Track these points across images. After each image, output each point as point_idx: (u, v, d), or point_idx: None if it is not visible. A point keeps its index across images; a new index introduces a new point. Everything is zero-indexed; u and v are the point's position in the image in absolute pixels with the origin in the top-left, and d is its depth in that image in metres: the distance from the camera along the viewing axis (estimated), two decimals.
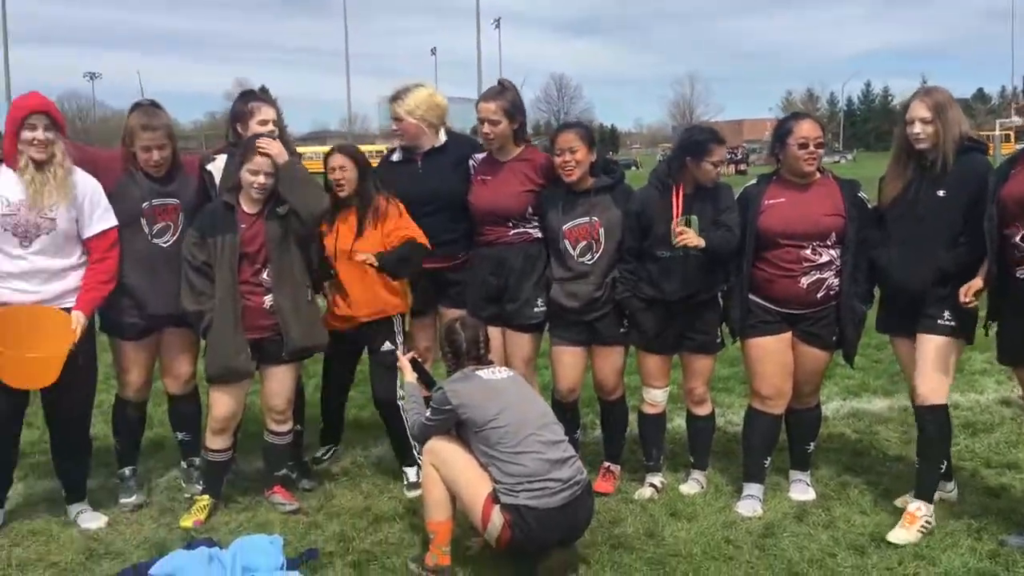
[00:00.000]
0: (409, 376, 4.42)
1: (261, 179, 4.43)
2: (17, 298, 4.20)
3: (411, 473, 4.89)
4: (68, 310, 4.29)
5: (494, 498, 3.73)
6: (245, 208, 4.50)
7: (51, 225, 4.22)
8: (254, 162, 4.42)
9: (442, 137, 5.01)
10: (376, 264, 4.53)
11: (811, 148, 4.40)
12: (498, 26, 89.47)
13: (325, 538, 4.29)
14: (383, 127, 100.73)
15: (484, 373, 4.02)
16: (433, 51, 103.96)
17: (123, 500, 4.74)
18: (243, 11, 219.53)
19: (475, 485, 3.79)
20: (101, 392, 6.45)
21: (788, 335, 4.56)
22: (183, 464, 5.00)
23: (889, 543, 4.12)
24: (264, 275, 4.50)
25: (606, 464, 4.98)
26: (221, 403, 4.54)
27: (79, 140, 4.48)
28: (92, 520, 4.51)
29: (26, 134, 4.14)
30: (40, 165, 4.16)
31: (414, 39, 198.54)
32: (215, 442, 4.61)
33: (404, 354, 4.58)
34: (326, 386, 5.22)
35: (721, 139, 4.61)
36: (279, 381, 4.64)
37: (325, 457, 5.21)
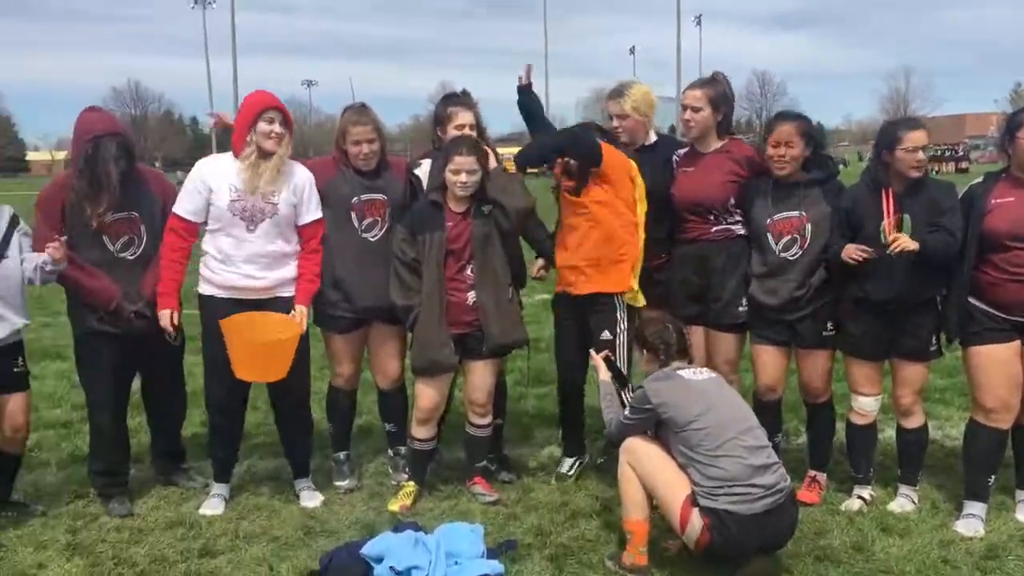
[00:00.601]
0: (603, 375, 4.44)
1: (463, 177, 4.56)
2: (245, 283, 4.55)
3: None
4: (287, 299, 4.63)
5: (693, 500, 3.68)
6: (451, 207, 4.66)
7: (274, 210, 4.55)
8: (455, 162, 4.56)
9: (652, 136, 5.00)
10: None
11: None
12: (699, 23, 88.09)
13: (523, 530, 4.37)
14: None
15: (686, 373, 3.98)
16: (632, 50, 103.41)
17: (337, 483, 5.01)
18: (448, 17, 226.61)
19: (673, 486, 3.76)
20: (316, 380, 6.92)
21: (1016, 344, 4.22)
22: (390, 452, 5.24)
23: None
24: (468, 272, 4.65)
25: (811, 473, 4.79)
26: (426, 395, 4.72)
27: (296, 144, 4.81)
28: (311, 499, 4.81)
29: (263, 126, 4.49)
30: (264, 155, 4.50)
31: (612, 38, 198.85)
32: (420, 432, 4.80)
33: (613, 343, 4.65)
34: (561, 385, 5.17)
35: (916, 124, 4.32)
36: (480, 376, 4.77)
37: (570, 473, 5.04)
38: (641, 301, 4.75)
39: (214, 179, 4.52)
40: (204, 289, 4.60)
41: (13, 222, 4.44)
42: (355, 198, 4.77)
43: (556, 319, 5.10)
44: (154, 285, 4.57)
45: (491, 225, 4.64)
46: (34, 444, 5.46)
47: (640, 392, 3.97)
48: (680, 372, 3.98)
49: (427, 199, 4.73)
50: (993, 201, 4.20)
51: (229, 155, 4.60)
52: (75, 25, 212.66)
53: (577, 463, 5.08)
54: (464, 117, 4.95)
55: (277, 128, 4.50)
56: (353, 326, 4.91)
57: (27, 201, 4.79)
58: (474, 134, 4.89)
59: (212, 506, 4.69)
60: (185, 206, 4.54)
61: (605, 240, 4.68)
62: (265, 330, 4.45)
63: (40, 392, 6.80)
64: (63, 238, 4.36)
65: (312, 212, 4.68)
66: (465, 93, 5.18)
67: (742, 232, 4.72)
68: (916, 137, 4.25)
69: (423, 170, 4.98)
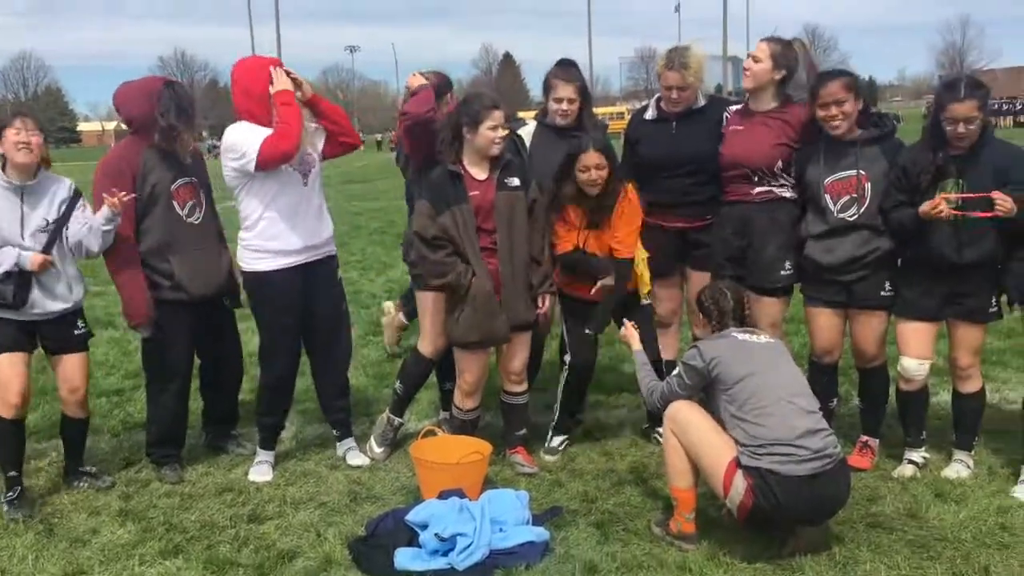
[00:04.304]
0: (637, 345, 4.37)
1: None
2: (311, 240, 4.59)
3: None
4: (334, 257, 4.78)
5: (737, 463, 3.61)
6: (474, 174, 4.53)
7: (314, 159, 4.65)
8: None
9: (701, 99, 4.86)
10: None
11: None
12: None
13: (568, 497, 4.35)
14: (625, 88, 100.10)
15: (740, 334, 3.91)
16: (677, 8, 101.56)
17: (375, 448, 5.02)
18: None
19: (717, 451, 3.68)
20: (362, 346, 6.96)
21: None
22: (445, 414, 5.24)
23: None
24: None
25: (863, 438, 4.70)
26: (471, 368, 4.64)
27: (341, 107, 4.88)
28: (356, 458, 4.88)
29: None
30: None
31: None
32: (467, 403, 4.74)
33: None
34: (573, 362, 4.93)
35: (957, 95, 4.01)
36: (516, 344, 4.69)
37: (560, 448, 4.98)
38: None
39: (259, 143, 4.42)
40: (264, 264, 4.54)
41: (76, 195, 4.52)
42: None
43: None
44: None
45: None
46: None
47: (691, 350, 3.90)
48: (735, 333, 3.91)
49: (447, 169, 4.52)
50: None
51: (248, 124, 4.46)
52: None
53: (566, 441, 5.04)
54: (563, 91, 4.84)
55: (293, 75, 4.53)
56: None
57: (83, 172, 4.84)
58: (570, 110, 4.84)
59: (260, 472, 4.75)
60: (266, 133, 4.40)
61: None
62: (453, 453, 4.39)
63: (92, 360, 6.88)
64: (124, 195, 4.34)
65: (319, 141, 4.71)
66: (507, 56, 5.14)
67: (787, 195, 4.59)
68: (956, 110, 4.02)
69: (527, 130, 5.01)
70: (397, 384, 5.14)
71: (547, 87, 4.93)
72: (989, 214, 3.95)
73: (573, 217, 4.64)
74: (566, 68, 4.91)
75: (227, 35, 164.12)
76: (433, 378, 5.38)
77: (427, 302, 4.92)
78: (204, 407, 5.26)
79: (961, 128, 4.04)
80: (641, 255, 4.75)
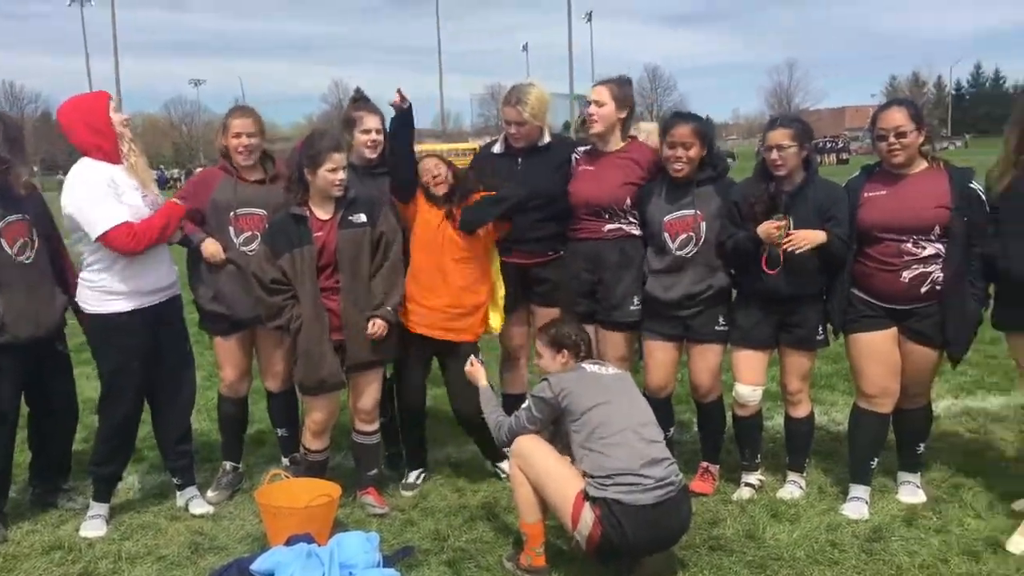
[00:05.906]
0: (483, 382, 4.39)
1: (341, 175, 4.45)
2: (163, 281, 4.44)
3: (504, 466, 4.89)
4: (179, 297, 4.61)
5: (585, 496, 3.67)
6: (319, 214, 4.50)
7: (158, 199, 4.49)
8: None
9: (547, 136, 4.96)
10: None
11: (890, 139, 4.22)
12: (590, 20, 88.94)
13: (420, 536, 4.30)
14: (475, 124, 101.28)
15: (589, 366, 3.99)
16: (525, 47, 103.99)
17: (209, 493, 4.88)
18: (340, 13, 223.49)
19: (564, 485, 3.73)
20: (207, 389, 6.69)
21: (893, 331, 4.36)
22: (285, 460, 5.10)
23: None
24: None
25: (704, 464, 4.87)
26: (317, 410, 4.57)
27: (183, 144, 4.77)
28: (199, 506, 4.68)
29: (119, 117, 4.35)
30: (133, 146, 4.38)
31: (506, 36, 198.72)
32: (315, 443, 4.66)
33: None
34: (403, 403, 4.99)
35: (773, 123, 4.42)
36: (365, 382, 4.66)
37: (418, 482, 4.99)
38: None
39: (119, 182, 4.26)
40: (114, 306, 4.31)
41: None
42: (231, 212, 4.68)
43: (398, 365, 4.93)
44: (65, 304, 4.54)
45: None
46: None
47: (542, 383, 3.95)
48: (584, 365, 3.99)
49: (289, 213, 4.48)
50: (865, 195, 4.34)
51: (95, 162, 4.30)
52: None
53: (423, 473, 5.06)
54: (370, 122, 4.84)
55: (125, 114, 4.40)
56: (234, 328, 4.81)
57: None
58: (380, 139, 4.83)
59: (93, 527, 4.47)
60: (121, 211, 4.20)
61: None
62: (301, 497, 4.23)
63: None
64: None
65: None
66: (358, 91, 5.08)
67: (636, 232, 4.73)
68: (771, 136, 4.37)
69: None
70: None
71: (350, 122, 4.88)
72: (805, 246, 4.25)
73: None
74: (366, 101, 4.98)
75: (60, 66, 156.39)
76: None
77: (220, 347, 4.94)
78: (32, 459, 4.91)
79: (774, 154, 4.34)
80: (500, 292, 4.83)
